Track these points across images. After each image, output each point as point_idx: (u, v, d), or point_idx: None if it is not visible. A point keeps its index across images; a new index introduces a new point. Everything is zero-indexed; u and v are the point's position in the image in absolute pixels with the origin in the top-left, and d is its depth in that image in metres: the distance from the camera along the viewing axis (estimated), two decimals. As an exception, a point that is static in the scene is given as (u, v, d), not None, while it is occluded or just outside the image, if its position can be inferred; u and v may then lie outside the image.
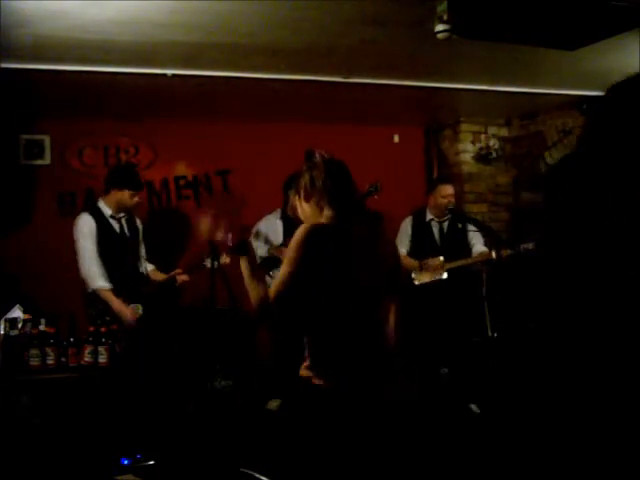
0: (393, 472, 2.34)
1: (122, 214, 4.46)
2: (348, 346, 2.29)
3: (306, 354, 2.36)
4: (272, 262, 4.86)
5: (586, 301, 5.22)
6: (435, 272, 4.87)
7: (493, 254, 4.57)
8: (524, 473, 3.44)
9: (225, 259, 4.31)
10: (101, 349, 3.58)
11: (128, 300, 4.24)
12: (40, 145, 5.46)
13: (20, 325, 3.55)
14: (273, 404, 4.83)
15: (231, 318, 4.89)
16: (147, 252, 4.73)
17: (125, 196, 4.38)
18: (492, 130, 6.44)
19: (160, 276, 4.68)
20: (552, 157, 6.09)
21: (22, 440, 3.27)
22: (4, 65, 3.90)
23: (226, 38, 3.75)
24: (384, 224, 2.56)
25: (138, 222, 4.66)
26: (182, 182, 5.85)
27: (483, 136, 6.40)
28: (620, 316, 4.87)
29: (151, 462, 3.35)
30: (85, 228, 4.29)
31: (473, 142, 6.39)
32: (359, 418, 2.27)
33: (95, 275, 4.20)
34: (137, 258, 4.59)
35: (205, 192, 5.94)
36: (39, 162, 5.46)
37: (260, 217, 5.22)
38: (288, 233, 4.77)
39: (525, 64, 4.47)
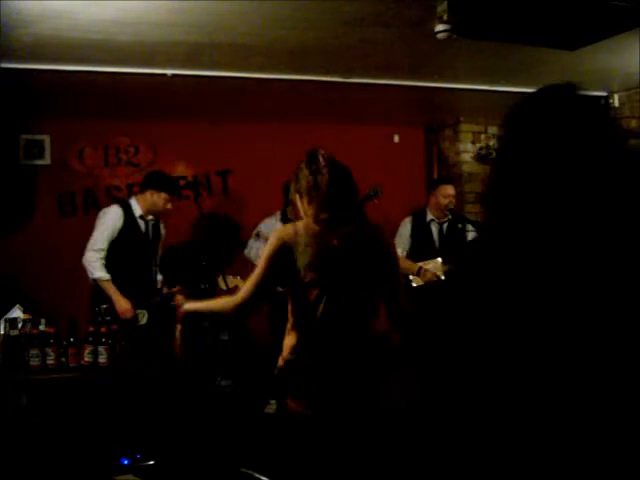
0: (393, 472, 2.34)
1: (150, 217, 4.47)
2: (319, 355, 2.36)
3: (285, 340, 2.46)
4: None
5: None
6: (433, 275, 4.86)
7: None
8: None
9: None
10: (101, 349, 3.57)
11: (136, 304, 4.25)
12: (40, 145, 5.47)
13: (20, 325, 3.55)
14: (272, 406, 4.82)
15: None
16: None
17: (161, 199, 4.41)
18: (492, 130, 6.43)
19: (164, 289, 4.68)
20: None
21: (22, 440, 3.27)
22: (4, 65, 3.90)
23: (226, 38, 3.75)
24: (383, 234, 2.55)
25: (162, 229, 4.67)
26: (182, 182, 5.85)
27: (483, 136, 6.40)
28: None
29: (151, 462, 3.34)
30: (110, 220, 4.33)
31: (473, 142, 6.39)
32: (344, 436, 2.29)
33: (96, 265, 4.23)
34: (154, 265, 4.59)
35: (205, 192, 5.94)
36: (39, 162, 5.46)
37: (260, 217, 5.22)
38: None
39: (525, 64, 4.46)
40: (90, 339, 3.59)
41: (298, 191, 2.45)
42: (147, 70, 4.28)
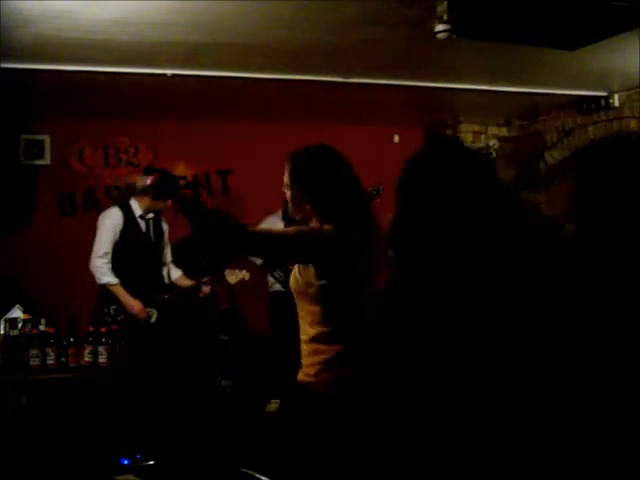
0: (392, 472, 2.34)
1: (150, 215, 4.47)
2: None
3: (302, 360, 2.34)
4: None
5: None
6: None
7: None
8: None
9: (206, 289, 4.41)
10: (101, 349, 3.58)
11: (144, 304, 4.25)
12: (40, 145, 5.46)
13: (20, 325, 3.55)
14: (273, 405, 4.83)
15: (231, 318, 4.90)
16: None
17: (160, 202, 4.41)
18: (492, 130, 6.43)
19: (187, 282, 4.67)
20: (552, 157, 6.09)
21: (22, 440, 3.27)
22: (4, 65, 3.89)
23: (226, 38, 3.75)
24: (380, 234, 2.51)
25: (164, 224, 4.66)
26: (182, 182, 5.84)
27: (483, 136, 6.40)
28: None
29: (151, 462, 3.34)
30: (110, 222, 4.33)
31: (473, 142, 6.38)
32: (358, 425, 2.26)
33: (103, 271, 4.24)
34: (160, 262, 4.58)
35: (205, 192, 5.94)
36: (39, 162, 5.46)
37: (260, 217, 5.22)
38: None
39: (525, 64, 4.46)
40: (90, 339, 3.59)
41: (300, 186, 2.40)
42: (147, 70, 4.28)
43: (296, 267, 2.33)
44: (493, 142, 6.37)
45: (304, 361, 2.31)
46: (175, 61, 4.16)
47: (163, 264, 4.60)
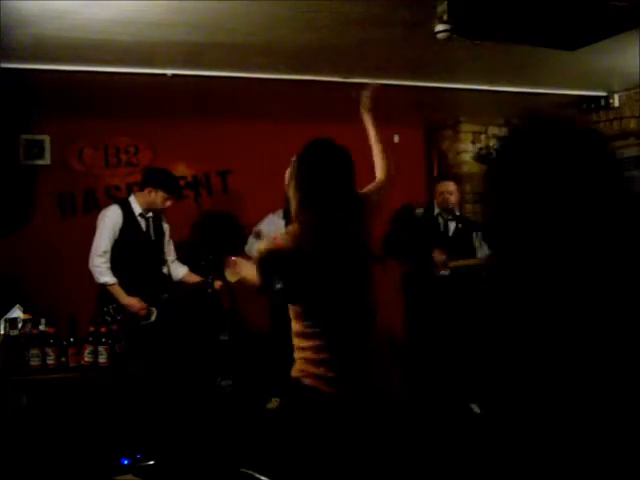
0: (391, 472, 2.34)
1: (150, 213, 4.46)
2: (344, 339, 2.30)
3: (295, 355, 2.36)
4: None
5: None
6: (439, 269, 4.89)
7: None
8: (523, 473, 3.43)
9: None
10: (101, 349, 3.57)
11: (145, 302, 4.24)
12: (40, 145, 5.47)
13: (20, 325, 3.55)
14: (273, 403, 4.83)
15: (231, 317, 4.90)
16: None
17: (158, 197, 4.38)
18: (492, 130, 6.44)
19: (194, 278, 4.66)
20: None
21: (22, 440, 3.27)
22: (4, 65, 3.89)
23: (226, 38, 3.75)
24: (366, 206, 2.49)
25: (165, 223, 4.64)
26: (182, 182, 5.85)
27: (483, 136, 6.41)
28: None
29: (151, 462, 3.34)
30: (109, 220, 4.31)
31: (473, 142, 6.39)
32: (355, 420, 2.26)
33: (102, 270, 4.22)
34: (160, 261, 4.56)
35: (205, 192, 5.94)
36: (39, 162, 5.46)
37: (260, 217, 5.22)
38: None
39: (525, 64, 4.46)
40: (90, 339, 3.59)
41: (306, 184, 2.40)
42: (147, 70, 4.28)
43: None
44: (493, 142, 6.38)
45: (294, 356, 2.37)
46: (175, 61, 4.16)
47: (163, 262, 4.59)
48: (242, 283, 2.60)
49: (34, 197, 5.42)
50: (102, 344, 3.58)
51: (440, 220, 5.11)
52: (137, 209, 4.40)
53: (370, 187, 2.60)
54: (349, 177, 2.39)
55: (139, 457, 3.36)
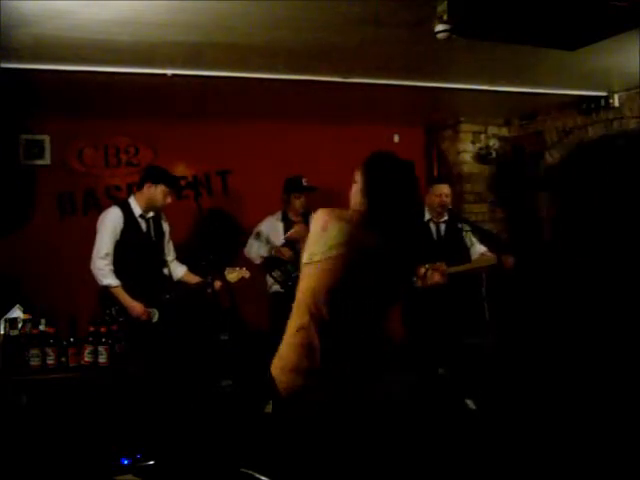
0: (391, 471, 2.34)
1: (151, 214, 4.45)
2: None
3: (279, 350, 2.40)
4: (274, 262, 4.87)
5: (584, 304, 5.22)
6: (440, 278, 4.86)
7: (496, 260, 4.56)
8: (520, 471, 3.44)
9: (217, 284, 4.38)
10: (101, 349, 3.58)
11: (146, 303, 4.23)
12: (40, 145, 5.47)
13: (20, 325, 3.55)
14: (269, 407, 4.82)
15: (231, 317, 4.89)
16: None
17: (158, 192, 4.35)
18: (492, 130, 6.44)
19: (194, 278, 4.65)
20: (552, 157, 6.09)
21: (22, 440, 3.27)
22: (4, 65, 3.90)
23: (226, 38, 3.75)
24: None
25: (165, 224, 4.63)
26: (182, 182, 5.85)
27: (483, 136, 6.41)
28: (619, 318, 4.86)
29: (151, 462, 3.34)
30: (110, 222, 4.29)
31: (473, 142, 6.39)
32: (343, 417, 2.28)
33: (104, 272, 4.21)
34: (161, 262, 4.55)
35: (205, 192, 5.94)
36: (39, 162, 5.46)
37: (260, 217, 5.23)
38: (289, 234, 4.80)
39: (525, 64, 4.47)
40: (90, 339, 3.59)
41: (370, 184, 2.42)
42: (147, 70, 4.28)
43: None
44: (493, 142, 6.38)
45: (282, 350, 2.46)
46: (175, 61, 4.16)
47: (164, 263, 4.58)
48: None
49: (34, 197, 5.42)
50: (102, 344, 3.59)
51: (431, 226, 5.09)
52: (137, 210, 4.39)
53: None
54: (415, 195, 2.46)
55: (139, 457, 3.36)
